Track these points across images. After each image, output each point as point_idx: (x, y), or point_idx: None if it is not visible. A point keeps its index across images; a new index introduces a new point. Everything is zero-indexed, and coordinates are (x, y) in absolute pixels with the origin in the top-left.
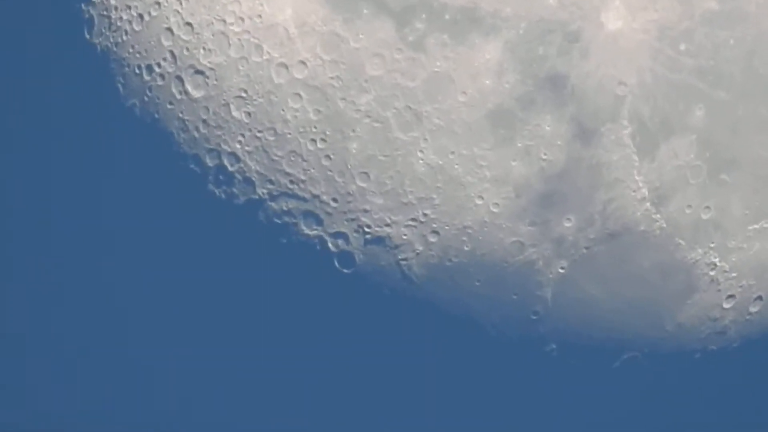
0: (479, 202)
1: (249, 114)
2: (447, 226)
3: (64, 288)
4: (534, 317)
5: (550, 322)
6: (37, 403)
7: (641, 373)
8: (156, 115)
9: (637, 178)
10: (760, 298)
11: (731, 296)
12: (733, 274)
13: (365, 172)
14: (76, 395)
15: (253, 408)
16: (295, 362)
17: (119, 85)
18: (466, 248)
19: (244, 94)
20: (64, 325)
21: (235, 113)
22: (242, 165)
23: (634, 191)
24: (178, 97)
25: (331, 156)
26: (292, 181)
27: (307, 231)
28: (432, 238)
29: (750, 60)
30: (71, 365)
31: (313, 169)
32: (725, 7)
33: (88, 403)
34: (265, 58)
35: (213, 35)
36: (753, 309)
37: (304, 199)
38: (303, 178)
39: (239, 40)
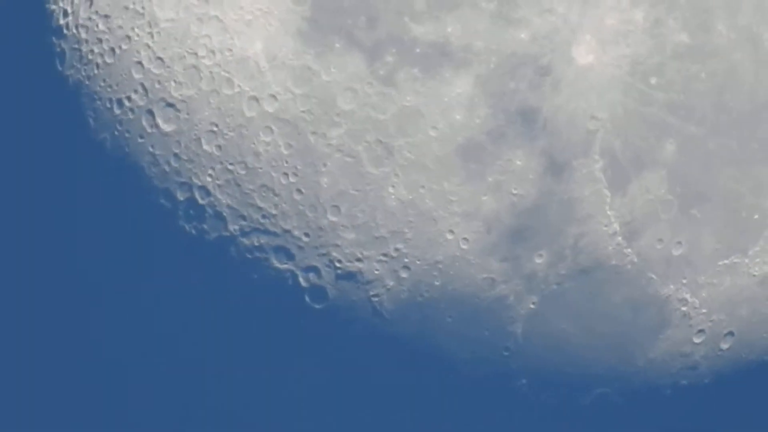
0: (450, 237)
1: (220, 147)
2: (418, 260)
3: (30, 323)
4: (505, 353)
5: (521, 357)
6: None
7: (612, 408)
8: (126, 149)
9: (608, 212)
10: (731, 333)
11: (702, 331)
12: (704, 310)
13: (336, 207)
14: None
15: None
16: (265, 398)
17: (90, 118)
18: (437, 283)
19: (215, 128)
20: (30, 363)
21: (206, 147)
22: (213, 199)
23: (605, 226)
24: (149, 130)
25: (303, 190)
26: (264, 216)
27: (278, 265)
28: (403, 274)
29: (721, 94)
30: (36, 401)
31: (285, 203)
32: (696, 41)
33: None
34: (236, 91)
35: (184, 69)
36: (724, 345)
37: (276, 234)
38: (274, 212)
39: (210, 73)
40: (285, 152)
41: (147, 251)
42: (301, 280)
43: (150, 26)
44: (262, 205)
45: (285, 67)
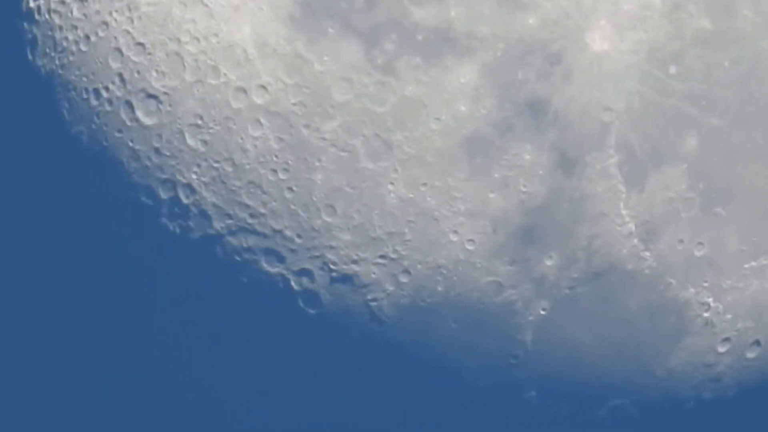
0: (454, 237)
1: (205, 142)
2: (419, 264)
3: (9, 327)
4: (513, 362)
5: (530, 367)
6: None
7: (629, 422)
8: (104, 143)
9: (623, 211)
10: (757, 342)
11: (726, 339)
12: (729, 316)
13: (331, 205)
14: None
15: None
16: (256, 408)
17: (65, 110)
18: (439, 288)
19: (199, 121)
20: (10, 366)
21: (190, 141)
22: (198, 197)
23: (620, 226)
24: (128, 123)
25: (294, 188)
26: (252, 215)
27: (268, 269)
28: (403, 278)
29: (745, 84)
30: (20, 408)
31: (275, 201)
32: (719, 26)
33: None
34: (222, 81)
35: (167, 56)
36: (750, 354)
37: (265, 235)
38: (264, 211)
39: (195, 61)
40: (275, 147)
41: (128, 251)
42: (293, 283)
43: (129, 10)
44: (250, 203)
45: (275, 55)
